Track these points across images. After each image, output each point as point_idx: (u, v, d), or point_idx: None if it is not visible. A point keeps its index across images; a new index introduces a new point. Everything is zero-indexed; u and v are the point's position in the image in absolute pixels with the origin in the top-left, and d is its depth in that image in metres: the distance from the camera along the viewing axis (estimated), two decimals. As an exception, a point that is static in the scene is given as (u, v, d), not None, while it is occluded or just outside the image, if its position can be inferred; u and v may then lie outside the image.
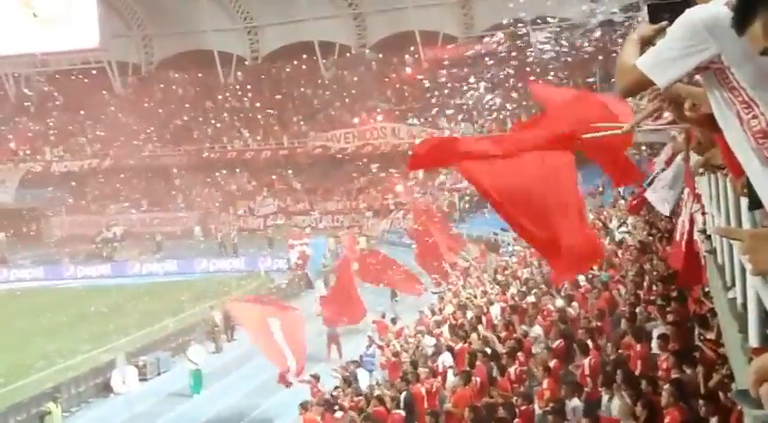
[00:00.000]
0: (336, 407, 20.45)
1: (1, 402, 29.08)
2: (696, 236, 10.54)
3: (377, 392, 20.25)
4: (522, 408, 14.44)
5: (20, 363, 33.61)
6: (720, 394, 9.68)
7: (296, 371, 23.77)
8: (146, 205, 71.83)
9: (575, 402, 13.23)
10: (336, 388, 22.77)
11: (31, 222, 72.31)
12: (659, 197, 14.61)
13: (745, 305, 5.85)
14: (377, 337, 28.26)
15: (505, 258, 38.52)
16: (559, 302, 21.46)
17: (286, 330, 24.15)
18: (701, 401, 9.70)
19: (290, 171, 72.94)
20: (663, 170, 14.84)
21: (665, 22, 3.84)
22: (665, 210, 15.36)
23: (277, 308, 26.90)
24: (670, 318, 14.91)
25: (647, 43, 3.83)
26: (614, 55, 63.73)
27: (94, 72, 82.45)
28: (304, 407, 20.98)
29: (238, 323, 33.33)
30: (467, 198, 59.06)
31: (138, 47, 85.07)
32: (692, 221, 11.37)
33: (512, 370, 17.08)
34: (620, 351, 15.09)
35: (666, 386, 11.19)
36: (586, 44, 68.34)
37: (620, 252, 25.85)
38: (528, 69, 67.30)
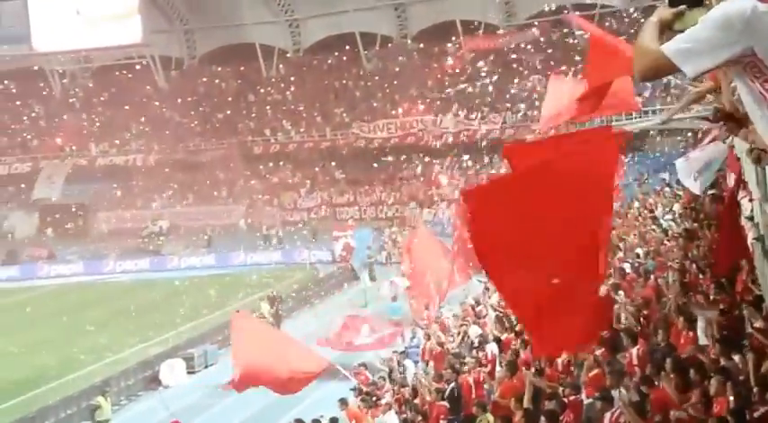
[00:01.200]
0: (376, 398, 20.46)
1: (51, 396, 29.44)
2: (743, 222, 10.40)
3: (424, 383, 20.24)
4: (570, 398, 14.35)
5: (69, 357, 33.96)
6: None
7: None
8: (190, 199, 72.23)
9: (622, 392, 13.10)
10: (381, 378, 22.76)
11: (77, 217, 72.97)
12: (688, 170, 14.37)
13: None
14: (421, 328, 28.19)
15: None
16: (604, 288, 21.26)
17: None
18: (754, 389, 9.57)
19: (333, 163, 73.02)
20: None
21: (683, 6, 3.80)
22: (694, 187, 15.16)
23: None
24: (718, 305, 14.74)
25: (666, 27, 3.79)
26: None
27: (138, 67, 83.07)
28: (343, 402, 21.02)
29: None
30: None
31: (180, 41, 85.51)
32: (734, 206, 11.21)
33: (559, 360, 16.97)
34: (668, 339, 14.94)
35: (715, 374, 11.07)
36: (631, 31, 67.73)
37: (666, 240, 25.62)
38: (571, 56, 66.81)
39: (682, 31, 3.63)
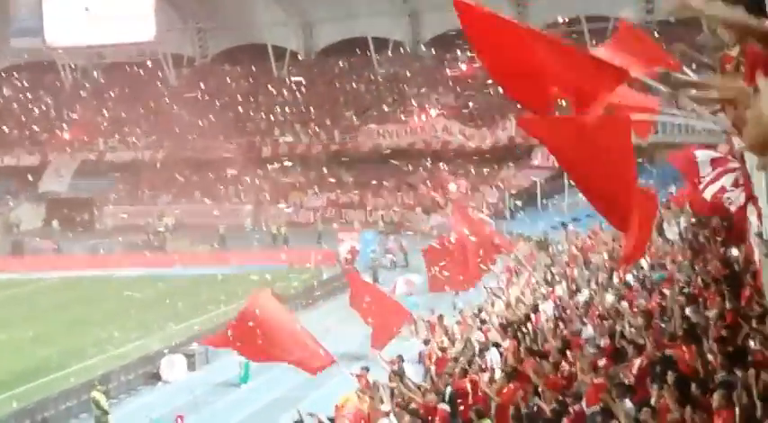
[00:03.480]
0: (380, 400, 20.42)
1: (53, 387, 29.46)
2: (752, 240, 10.36)
3: (423, 387, 20.25)
4: (573, 407, 14.33)
5: (72, 349, 34.01)
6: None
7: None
8: (197, 197, 72.29)
9: (627, 404, 13.07)
10: (383, 383, 22.70)
11: (84, 211, 73.10)
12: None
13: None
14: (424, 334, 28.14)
15: (555, 256, 38.28)
16: (609, 300, 21.29)
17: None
18: (758, 403, 9.54)
19: (341, 166, 73.10)
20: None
21: None
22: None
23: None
24: (723, 320, 14.73)
25: None
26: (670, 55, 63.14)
27: (149, 64, 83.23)
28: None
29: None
30: (516, 196, 58.73)
31: (192, 40, 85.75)
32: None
33: (562, 368, 16.97)
34: (670, 352, 14.91)
35: (718, 388, 11.05)
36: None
37: (671, 253, 25.59)
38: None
39: None
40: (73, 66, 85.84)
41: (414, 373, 24.86)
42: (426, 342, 27.02)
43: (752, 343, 12.18)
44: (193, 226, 64.34)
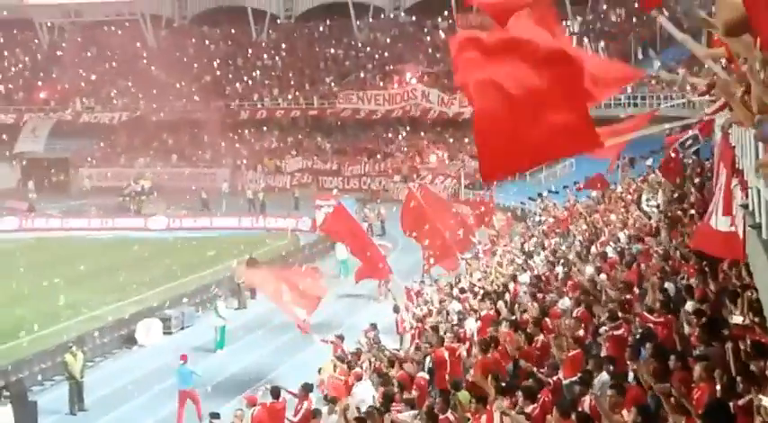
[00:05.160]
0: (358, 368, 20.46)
1: (27, 350, 29.32)
2: (736, 211, 10.33)
3: (399, 355, 20.30)
4: (550, 378, 14.38)
5: (46, 311, 33.82)
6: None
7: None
8: (174, 160, 71.98)
9: (603, 376, 13.13)
10: (359, 350, 22.75)
11: (60, 172, 72.69)
12: None
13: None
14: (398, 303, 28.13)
15: (532, 227, 38.41)
16: (588, 271, 21.35)
17: (293, 286, 24.79)
18: (738, 377, 9.58)
19: (318, 132, 72.90)
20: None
21: None
22: None
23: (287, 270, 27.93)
24: (701, 292, 14.79)
25: None
26: (651, 26, 63.31)
27: (127, 24, 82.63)
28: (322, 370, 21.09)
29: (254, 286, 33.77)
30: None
31: (171, 1, 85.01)
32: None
33: (538, 339, 17.03)
34: (649, 324, 14.97)
35: (698, 361, 11.09)
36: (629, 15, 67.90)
37: (649, 226, 25.67)
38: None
39: None
40: (49, 24, 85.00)
41: (390, 341, 24.95)
42: (396, 309, 27.02)
43: (731, 317, 12.19)
44: (170, 189, 63.98)
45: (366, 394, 17.93)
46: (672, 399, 9.76)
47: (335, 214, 31.97)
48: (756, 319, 10.88)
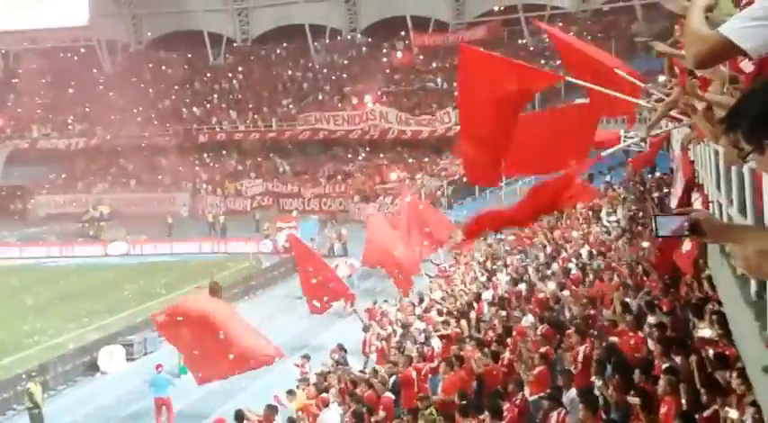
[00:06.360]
0: (325, 389, 20.40)
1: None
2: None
3: (367, 376, 20.26)
4: (515, 395, 14.43)
5: (6, 340, 33.51)
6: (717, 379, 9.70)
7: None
8: (133, 185, 71.58)
9: (571, 393, 13.20)
10: (326, 372, 22.68)
11: (16, 200, 72.06)
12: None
13: (760, 293, 5.81)
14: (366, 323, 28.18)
15: (494, 245, 38.56)
16: (551, 287, 21.48)
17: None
18: (701, 389, 9.69)
19: (278, 154, 72.82)
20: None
21: None
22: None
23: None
24: (664, 306, 14.94)
25: (708, 11, 3.76)
26: (605, 44, 63.93)
27: (83, 50, 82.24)
28: (291, 393, 20.88)
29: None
30: (454, 185, 58.90)
31: (127, 26, 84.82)
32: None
33: (503, 356, 17.09)
34: (613, 339, 15.08)
35: (663, 374, 11.19)
36: (584, 33, 68.50)
37: (609, 241, 25.90)
38: (520, 57, 67.23)
39: (721, 20, 3.60)
40: (4, 51, 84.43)
41: (355, 361, 24.91)
42: (366, 329, 27.07)
43: (696, 330, 12.34)
44: (129, 215, 63.58)
45: (333, 421, 17.89)
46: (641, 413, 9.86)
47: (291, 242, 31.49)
48: (721, 331, 11.01)
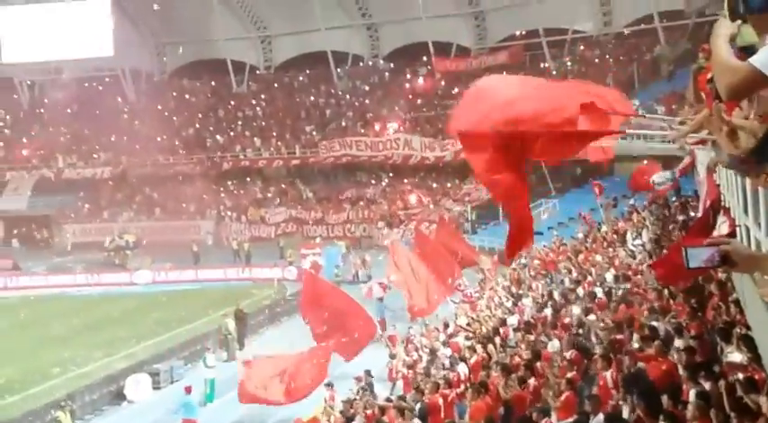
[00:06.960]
0: (352, 417, 20.40)
1: (15, 410, 29.10)
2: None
3: (393, 403, 20.22)
4: (541, 420, 14.36)
5: (33, 370, 33.64)
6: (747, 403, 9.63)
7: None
8: (157, 213, 71.88)
9: (599, 419, 13.12)
10: (352, 399, 22.67)
11: (43, 229, 72.45)
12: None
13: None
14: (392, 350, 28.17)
15: (519, 270, 38.46)
16: (576, 312, 21.40)
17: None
18: (731, 414, 9.62)
19: (301, 180, 72.99)
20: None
21: (740, 21, 3.80)
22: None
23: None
24: (691, 330, 14.83)
25: (732, 40, 3.78)
26: (627, 67, 63.86)
27: (108, 80, 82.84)
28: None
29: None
30: (477, 209, 58.85)
31: (151, 55, 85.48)
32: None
33: (530, 382, 17.02)
34: (639, 364, 14.98)
35: (692, 399, 11.11)
36: (606, 56, 68.51)
37: (635, 265, 25.77)
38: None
39: (745, 47, 3.62)
40: (29, 82, 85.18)
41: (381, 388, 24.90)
42: (393, 356, 27.07)
43: (725, 355, 12.24)
44: (154, 243, 63.79)
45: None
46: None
47: (307, 284, 29.22)
48: (750, 355, 10.94)
